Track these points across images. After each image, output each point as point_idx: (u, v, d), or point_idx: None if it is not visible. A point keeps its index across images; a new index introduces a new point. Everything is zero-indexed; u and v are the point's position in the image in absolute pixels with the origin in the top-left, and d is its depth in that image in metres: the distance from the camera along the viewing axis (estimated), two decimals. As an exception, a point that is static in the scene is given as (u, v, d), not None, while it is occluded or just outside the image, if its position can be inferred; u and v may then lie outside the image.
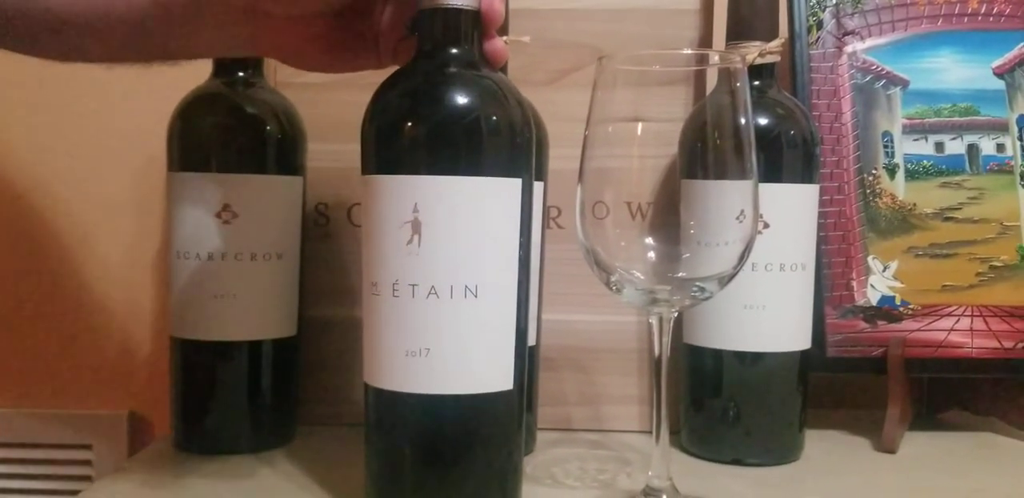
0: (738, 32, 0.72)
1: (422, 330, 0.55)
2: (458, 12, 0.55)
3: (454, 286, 0.54)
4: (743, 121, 0.55)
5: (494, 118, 0.54)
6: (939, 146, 0.80)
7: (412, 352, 0.55)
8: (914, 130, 0.80)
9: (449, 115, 0.54)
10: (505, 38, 0.71)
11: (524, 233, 0.56)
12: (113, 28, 0.56)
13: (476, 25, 0.56)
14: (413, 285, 0.54)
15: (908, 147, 0.80)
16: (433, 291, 0.54)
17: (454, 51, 0.55)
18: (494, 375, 0.56)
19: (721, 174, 0.56)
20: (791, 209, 0.71)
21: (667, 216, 0.56)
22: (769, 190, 0.68)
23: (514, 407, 0.58)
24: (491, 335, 0.55)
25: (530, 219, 0.57)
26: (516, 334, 0.57)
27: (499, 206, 0.55)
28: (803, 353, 0.73)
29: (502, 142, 0.55)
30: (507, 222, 0.55)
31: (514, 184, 0.55)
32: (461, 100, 0.54)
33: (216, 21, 0.56)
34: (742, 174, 0.56)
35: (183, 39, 0.58)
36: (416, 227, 0.54)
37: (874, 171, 0.80)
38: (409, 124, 0.54)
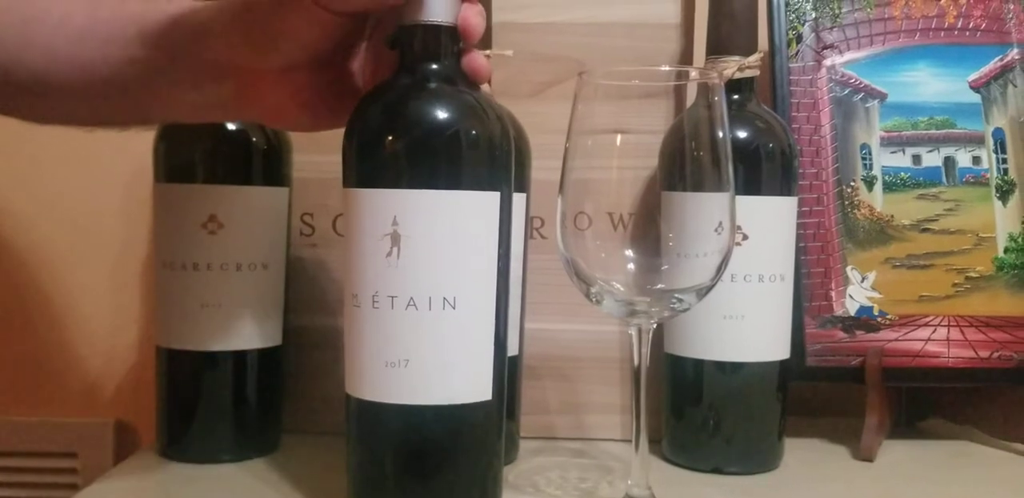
0: (718, 47, 0.73)
1: (401, 341, 0.55)
2: (437, 28, 0.55)
3: (432, 298, 0.55)
4: (720, 134, 0.56)
5: (473, 132, 0.55)
6: (916, 158, 0.82)
7: (391, 363, 0.55)
8: (892, 142, 0.82)
9: (428, 130, 0.54)
10: (488, 51, 0.72)
11: (503, 245, 0.57)
12: (94, 91, 0.55)
13: (455, 40, 0.57)
14: (392, 297, 0.55)
15: (886, 159, 0.81)
16: (412, 303, 0.55)
17: (434, 66, 0.56)
18: (473, 386, 0.57)
19: (699, 186, 0.57)
20: (770, 221, 0.72)
21: (647, 228, 0.57)
22: (748, 202, 0.69)
23: (493, 417, 0.58)
24: (470, 346, 0.56)
25: (509, 231, 0.58)
26: (495, 345, 0.57)
27: (478, 219, 0.55)
28: (782, 363, 0.74)
29: (481, 156, 0.55)
30: (485, 235, 0.56)
31: (493, 197, 0.56)
32: (440, 115, 0.55)
33: (195, 81, 0.56)
34: (719, 186, 0.57)
35: (164, 102, 0.57)
36: (395, 240, 0.54)
37: (852, 183, 0.81)
38: (389, 138, 0.55)
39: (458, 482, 0.57)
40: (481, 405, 0.57)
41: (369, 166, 0.56)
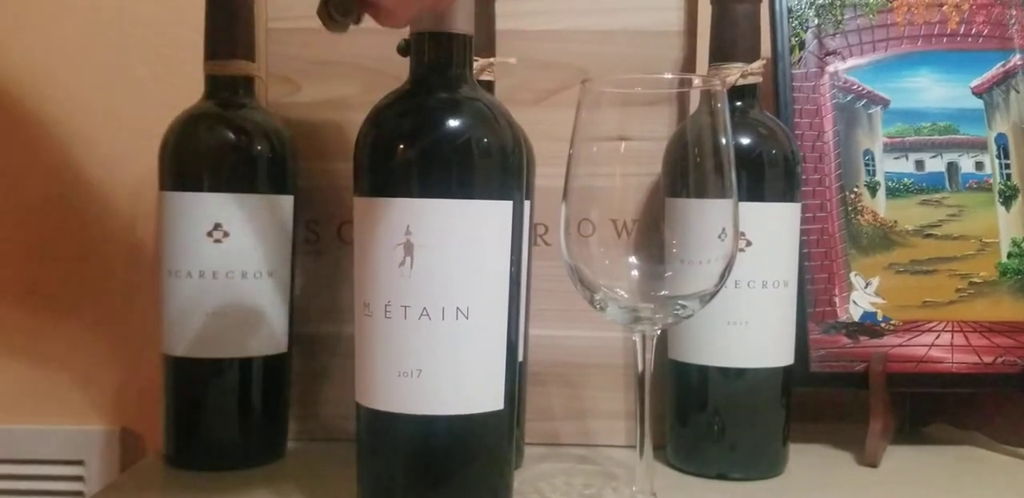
0: (721, 54, 0.74)
1: (414, 351, 0.55)
2: (450, 37, 0.56)
3: (446, 308, 0.55)
4: (723, 141, 0.56)
5: (485, 141, 0.55)
6: (919, 164, 0.82)
7: (404, 373, 0.55)
8: (895, 148, 0.82)
9: (441, 138, 0.54)
10: (492, 59, 0.73)
11: (515, 254, 0.57)
12: None
13: (468, 49, 0.57)
14: (405, 306, 0.55)
15: (889, 165, 0.81)
16: (425, 313, 0.55)
17: (446, 75, 0.56)
18: (486, 395, 0.57)
19: (702, 193, 0.57)
20: (773, 227, 0.73)
21: (650, 234, 0.57)
22: (752, 209, 0.69)
23: (505, 426, 0.58)
24: (482, 356, 0.56)
25: (521, 240, 0.58)
26: (507, 354, 0.57)
27: (490, 228, 0.55)
28: (786, 368, 0.74)
29: (493, 165, 0.56)
30: (498, 244, 0.56)
31: (505, 206, 0.56)
32: (453, 123, 0.55)
33: None
34: (723, 193, 0.57)
35: None
36: (409, 249, 0.54)
37: (855, 189, 0.81)
38: (401, 147, 0.55)
39: (470, 491, 0.57)
40: (493, 415, 0.57)
41: (381, 175, 0.56)
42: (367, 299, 0.56)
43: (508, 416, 0.58)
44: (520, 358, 0.74)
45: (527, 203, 0.73)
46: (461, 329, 0.55)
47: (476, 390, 0.56)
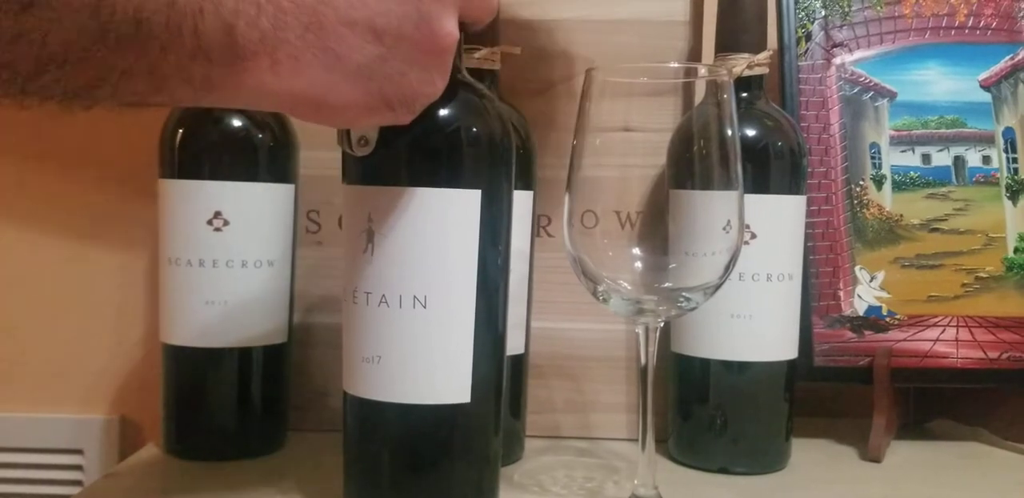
0: (727, 44, 0.73)
1: (374, 337, 0.55)
2: None
3: (403, 296, 0.54)
4: (729, 132, 0.56)
5: (449, 130, 0.54)
6: (926, 158, 0.81)
7: (367, 358, 0.56)
8: (901, 141, 0.81)
9: (396, 127, 0.52)
10: (496, 48, 0.72)
11: (488, 244, 0.55)
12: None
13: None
14: (368, 293, 0.55)
15: (895, 158, 0.81)
16: (384, 300, 0.55)
17: None
18: (447, 387, 0.56)
19: (707, 184, 0.57)
20: (779, 220, 0.72)
21: (655, 226, 0.57)
22: (757, 201, 0.69)
23: (474, 421, 0.57)
24: (442, 347, 0.55)
25: (498, 230, 0.56)
26: (479, 347, 0.56)
27: (452, 217, 0.54)
28: (790, 362, 0.74)
29: (454, 154, 0.54)
30: (461, 234, 0.55)
31: (471, 195, 0.54)
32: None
33: None
34: (728, 185, 0.56)
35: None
36: (370, 236, 0.54)
37: (861, 182, 0.80)
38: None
39: (437, 484, 0.57)
40: (458, 407, 0.56)
41: (350, 163, 0.56)
42: (344, 285, 0.57)
43: (477, 410, 0.57)
44: (521, 350, 0.73)
45: (530, 194, 0.73)
46: (418, 318, 0.54)
47: (434, 381, 0.55)
